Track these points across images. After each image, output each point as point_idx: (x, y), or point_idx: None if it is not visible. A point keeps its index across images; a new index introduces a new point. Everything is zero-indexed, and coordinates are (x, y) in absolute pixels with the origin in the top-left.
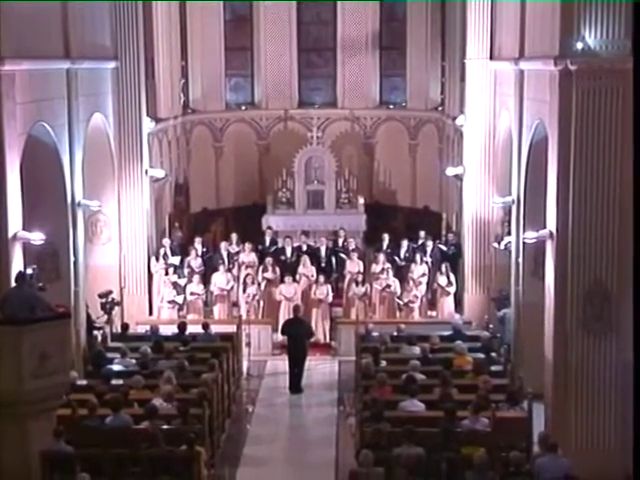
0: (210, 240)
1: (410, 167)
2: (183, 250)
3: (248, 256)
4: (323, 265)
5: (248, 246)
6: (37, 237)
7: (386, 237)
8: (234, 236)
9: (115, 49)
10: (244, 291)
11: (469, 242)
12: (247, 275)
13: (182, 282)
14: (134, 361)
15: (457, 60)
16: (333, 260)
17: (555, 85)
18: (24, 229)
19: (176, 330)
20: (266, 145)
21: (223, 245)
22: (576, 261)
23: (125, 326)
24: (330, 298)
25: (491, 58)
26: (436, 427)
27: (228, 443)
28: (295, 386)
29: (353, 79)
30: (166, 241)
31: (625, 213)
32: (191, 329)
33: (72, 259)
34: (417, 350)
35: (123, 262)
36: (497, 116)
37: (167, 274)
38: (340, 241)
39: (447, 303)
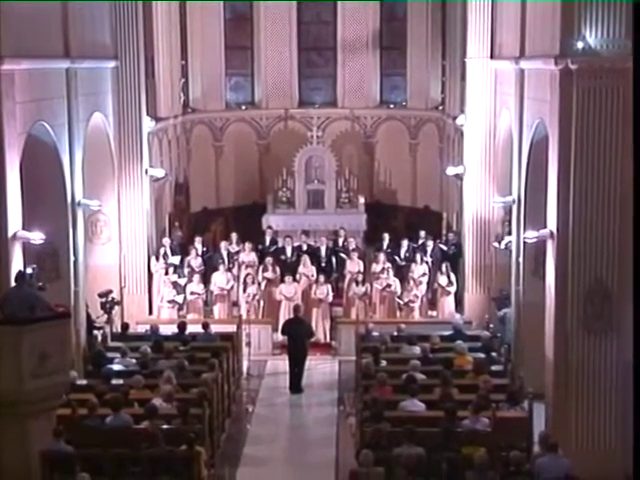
0: (210, 240)
1: (410, 166)
2: (183, 250)
3: (248, 256)
4: (323, 265)
5: (248, 246)
6: (37, 237)
7: (386, 237)
8: (234, 236)
9: (115, 48)
10: (244, 291)
11: (469, 242)
12: (247, 275)
13: (182, 282)
14: (134, 361)
15: (457, 59)
16: (333, 260)
17: (555, 84)
18: (24, 229)
19: (176, 330)
20: (266, 144)
21: (223, 245)
22: (577, 260)
23: (125, 326)
24: (330, 298)
25: (492, 57)
26: (436, 427)
27: (228, 443)
28: (295, 386)
29: (353, 78)
30: (166, 241)
31: (625, 212)
32: (191, 329)
33: (72, 259)
34: (417, 350)
35: (123, 262)
36: (497, 115)
37: (167, 274)
38: (340, 241)
39: (447, 303)
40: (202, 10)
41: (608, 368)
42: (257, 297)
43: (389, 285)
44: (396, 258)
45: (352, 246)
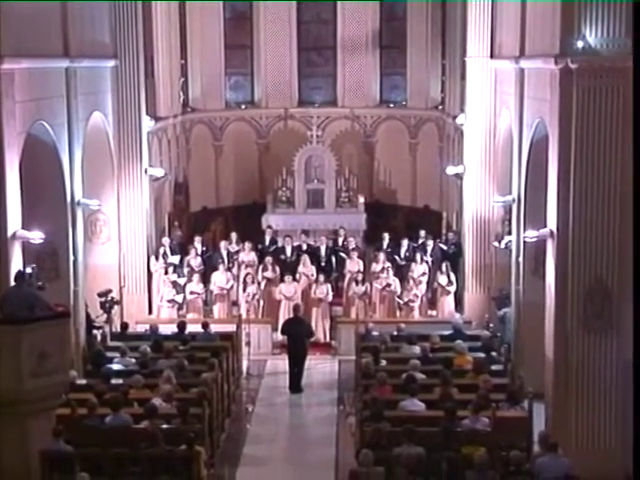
0: (210, 239)
1: (410, 166)
2: (183, 249)
3: (248, 255)
4: (323, 264)
5: (248, 245)
6: (36, 236)
7: (386, 236)
8: (234, 235)
9: (114, 47)
10: (244, 290)
11: (469, 241)
12: (247, 274)
13: (182, 281)
14: (134, 360)
15: (457, 58)
16: (333, 259)
17: (556, 84)
18: (23, 228)
19: (176, 329)
20: (266, 144)
21: (223, 244)
22: (577, 260)
23: (125, 325)
24: (330, 297)
25: (491, 56)
26: (436, 427)
27: (228, 442)
28: (295, 385)
29: (353, 78)
30: (166, 240)
31: (626, 211)
32: (191, 328)
33: (71, 258)
34: (417, 349)
35: (123, 261)
36: (497, 115)
37: (167, 273)
38: (340, 240)
39: (447, 302)
40: (202, 9)
41: (608, 367)
42: (257, 297)
43: (389, 285)
44: (396, 258)
45: (352, 245)
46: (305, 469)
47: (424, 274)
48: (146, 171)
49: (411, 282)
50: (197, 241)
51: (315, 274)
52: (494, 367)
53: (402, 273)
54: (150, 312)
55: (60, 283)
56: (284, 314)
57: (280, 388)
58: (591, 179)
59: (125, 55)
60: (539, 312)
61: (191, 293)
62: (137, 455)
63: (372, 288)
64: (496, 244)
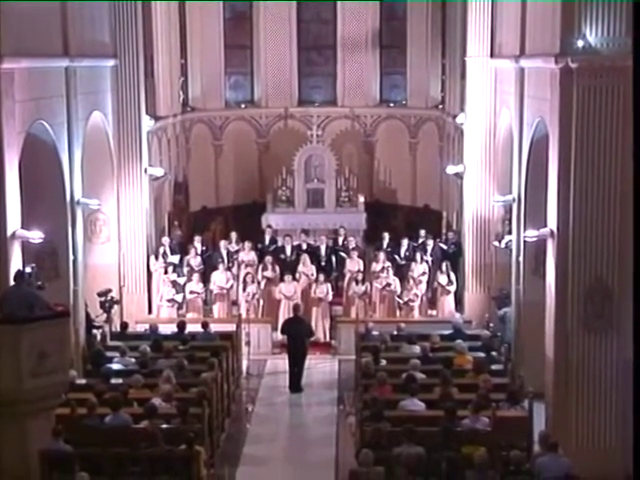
0: (210, 239)
1: (410, 165)
2: (182, 249)
3: (248, 255)
4: (323, 264)
5: (248, 245)
6: (36, 236)
7: (386, 236)
8: (234, 235)
9: (114, 47)
10: (244, 290)
11: (469, 241)
12: (247, 274)
13: (181, 281)
14: (133, 360)
15: (457, 58)
16: (333, 259)
17: (556, 83)
18: (23, 228)
19: (175, 329)
20: (266, 143)
21: (223, 244)
22: (577, 259)
23: (124, 325)
24: (330, 297)
25: (492, 56)
26: (436, 426)
27: (228, 442)
28: (295, 385)
29: (353, 77)
30: (165, 240)
31: (626, 211)
32: (190, 328)
33: (71, 258)
34: (417, 349)
35: (122, 261)
36: (498, 114)
37: (166, 273)
38: (340, 240)
39: (447, 302)
40: (201, 9)
41: (608, 367)
42: (257, 296)
43: (389, 284)
44: (396, 257)
45: (352, 245)
46: (305, 469)
47: (424, 274)
48: (146, 170)
49: (411, 282)
50: (197, 240)
51: (315, 274)
52: (494, 367)
53: (402, 273)
54: (150, 312)
55: (60, 283)
56: (284, 314)
57: (280, 388)
58: (591, 178)
59: (125, 54)
60: (539, 312)
61: (191, 293)
62: (137, 455)
63: (372, 288)
64: (496, 243)
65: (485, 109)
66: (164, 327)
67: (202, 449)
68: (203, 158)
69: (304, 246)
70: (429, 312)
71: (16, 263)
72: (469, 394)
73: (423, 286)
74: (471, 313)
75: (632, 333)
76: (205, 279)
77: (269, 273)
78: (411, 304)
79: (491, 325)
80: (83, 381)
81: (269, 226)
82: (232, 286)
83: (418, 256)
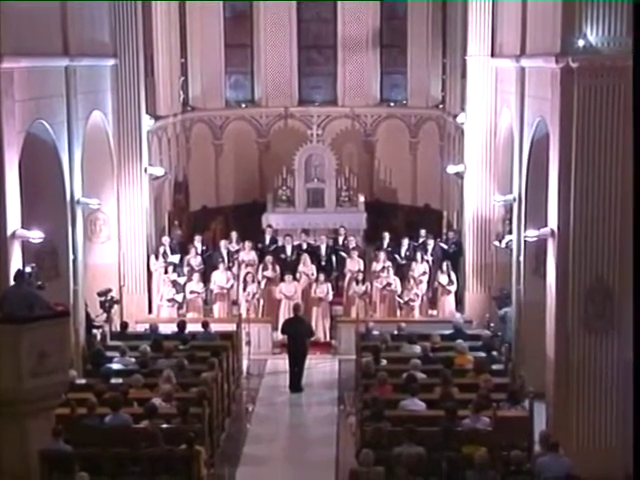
0: (210, 238)
1: (411, 165)
2: (183, 248)
3: (248, 254)
4: (323, 263)
5: (248, 244)
6: (36, 235)
7: (387, 235)
8: (234, 234)
9: (114, 46)
10: (244, 289)
11: (470, 240)
12: (247, 273)
13: (182, 280)
14: (133, 360)
15: (458, 57)
16: (333, 258)
17: (556, 82)
18: (23, 227)
19: (176, 329)
20: (266, 143)
21: (223, 243)
22: (577, 259)
23: (124, 325)
24: (330, 296)
25: (492, 55)
26: (437, 426)
27: (228, 442)
28: (295, 385)
29: (353, 77)
30: (165, 239)
31: (626, 211)
32: (191, 328)
33: (71, 257)
34: (418, 349)
35: (122, 260)
36: (498, 114)
37: (167, 272)
38: (340, 239)
39: (448, 302)
40: (202, 8)
41: (609, 367)
42: (257, 296)
43: (389, 284)
44: (396, 257)
45: (352, 245)
46: (305, 469)
47: (424, 273)
48: (146, 170)
49: (411, 281)
50: (197, 240)
51: (315, 273)
52: (495, 367)
53: (402, 272)
54: (150, 311)
55: (60, 282)
56: (284, 313)
57: (280, 387)
58: (592, 178)
59: (125, 54)
60: (540, 311)
61: (191, 292)
62: (137, 455)
63: (372, 287)
64: (497, 243)
65: (486, 109)
66: (164, 327)
67: (202, 449)
68: (203, 157)
69: (304, 246)
70: (429, 312)
71: (16, 263)
72: (470, 394)
73: (424, 286)
74: (472, 313)
75: (632, 333)
76: (205, 279)
77: (269, 273)
78: (411, 304)
79: (492, 325)
80: (83, 381)
81: (269, 226)
82: (232, 286)
83: (418, 256)
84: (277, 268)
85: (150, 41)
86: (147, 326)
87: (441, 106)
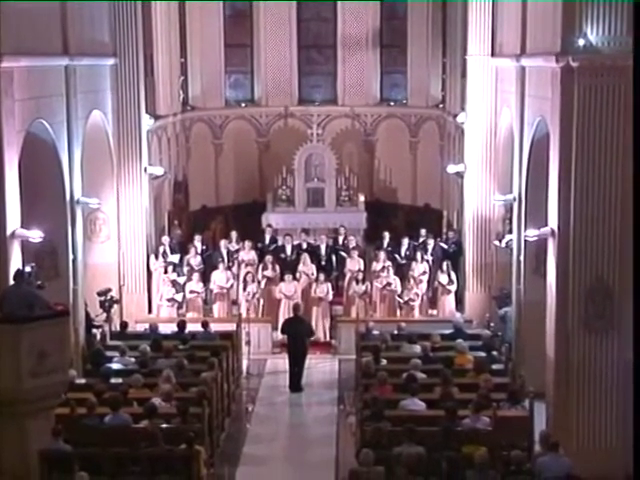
0: (210, 238)
1: (411, 165)
2: (182, 248)
3: (248, 254)
4: (323, 263)
5: (248, 244)
6: (36, 235)
7: (387, 235)
8: (234, 234)
9: (114, 46)
10: (244, 289)
11: (470, 240)
12: (247, 273)
13: (181, 280)
14: (133, 360)
15: (458, 57)
16: (333, 258)
17: (557, 82)
18: (22, 227)
19: (175, 328)
20: (266, 142)
21: (223, 243)
22: (578, 259)
23: (124, 324)
24: (330, 296)
25: (492, 55)
26: (437, 426)
27: (228, 442)
28: (295, 385)
29: (353, 76)
30: (165, 239)
31: (627, 210)
32: (190, 327)
33: (71, 257)
34: (418, 349)
35: (122, 260)
36: (498, 113)
37: (166, 272)
38: (340, 239)
39: (448, 301)
40: (201, 8)
41: (609, 367)
42: (257, 296)
43: (389, 284)
44: (396, 256)
45: (352, 244)
46: (305, 468)
47: (424, 273)
48: (146, 170)
49: (412, 281)
50: (197, 240)
51: (315, 273)
52: (495, 366)
53: (402, 272)
54: (150, 311)
55: (59, 282)
56: (284, 313)
57: (280, 387)
58: (592, 177)
59: (125, 53)
60: (540, 311)
61: (191, 292)
62: (137, 454)
63: (372, 287)
64: (497, 243)
65: (486, 108)
66: (164, 326)
67: (202, 449)
68: (203, 157)
69: (304, 245)
70: (430, 311)
71: (16, 262)
72: (470, 394)
73: (424, 285)
74: (472, 312)
75: (632, 333)
76: (205, 278)
77: (269, 272)
78: (411, 303)
79: (492, 324)
80: (83, 381)
81: (269, 225)
82: (232, 285)
83: (418, 255)
84: (277, 268)
85: (150, 40)
86: (147, 326)
87: (441, 106)
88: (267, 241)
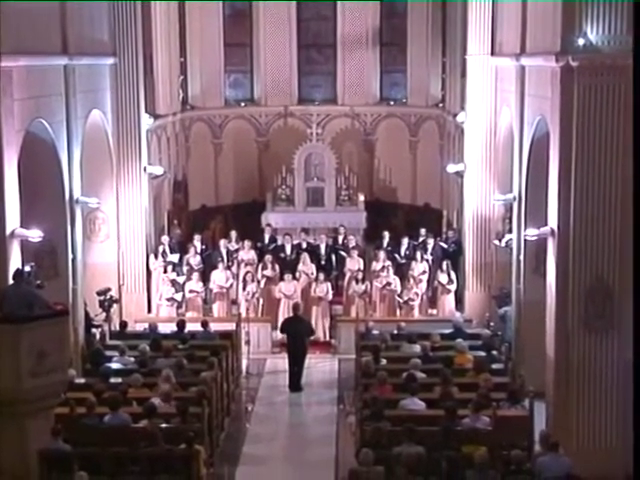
0: (209, 237)
1: (410, 164)
2: (182, 247)
3: (247, 254)
4: (323, 263)
5: (247, 243)
6: (35, 234)
7: (386, 234)
8: (233, 233)
9: (113, 45)
10: (243, 289)
11: (470, 239)
12: (246, 273)
13: (181, 280)
14: (133, 359)
15: (458, 56)
16: (333, 258)
17: (557, 81)
18: (22, 226)
19: (175, 328)
20: (266, 142)
21: (222, 242)
22: (578, 258)
23: (124, 324)
24: (330, 296)
25: (492, 54)
26: (437, 426)
27: (227, 442)
28: (295, 384)
29: (353, 75)
30: (165, 238)
31: (627, 210)
32: (190, 327)
33: (70, 256)
34: (417, 348)
35: (122, 260)
36: (498, 112)
37: (166, 272)
38: (340, 238)
39: (448, 301)
40: (201, 7)
41: (609, 367)
42: (256, 295)
43: (389, 283)
44: (396, 256)
45: (352, 244)
46: (305, 468)
47: (424, 272)
48: (145, 169)
49: (411, 281)
50: (196, 239)
51: (315, 272)
52: (495, 366)
53: (402, 271)
54: (149, 311)
55: (59, 281)
56: (284, 313)
57: (280, 387)
58: (592, 177)
59: (124, 52)
60: (540, 311)
61: (190, 292)
62: (136, 454)
63: (372, 287)
64: (497, 242)
65: (485, 107)
66: (163, 326)
67: (202, 448)
68: (203, 156)
69: (304, 245)
70: (429, 311)
71: (15, 262)
72: (469, 393)
73: (423, 285)
74: (471, 312)
75: (632, 333)
76: (205, 278)
77: (269, 272)
78: (411, 303)
79: (491, 324)
80: (82, 380)
81: (269, 225)
82: (232, 285)
83: (418, 255)
84: (277, 267)
85: (149, 40)
86: (146, 325)
87: (441, 105)
88: (267, 240)
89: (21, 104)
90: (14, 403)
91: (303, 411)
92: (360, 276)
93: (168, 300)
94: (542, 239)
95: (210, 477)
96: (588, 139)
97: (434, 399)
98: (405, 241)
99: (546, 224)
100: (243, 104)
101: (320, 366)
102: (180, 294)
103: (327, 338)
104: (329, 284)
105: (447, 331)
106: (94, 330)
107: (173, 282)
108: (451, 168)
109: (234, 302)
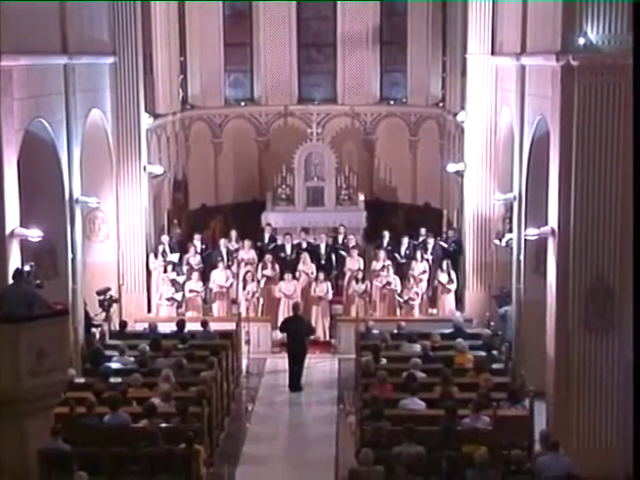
0: (209, 237)
1: (411, 163)
2: (182, 247)
3: (247, 253)
4: (323, 262)
5: (247, 243)
6: (35, 234)
7: (386, 234)
8: (233, 233)
9: (113, 44)
10: (243, 288)
11: (470, 239)
12: (246, 272)
13: (181, 279)
14: (132, 359)
15: (458, 55)
16: (333, 257)
17: (557, 81)
18: (21, 226)
19: (175, 328)
20: (266, 141)
21: (222, 242)
22: (578, 258)
23: (123, 324)
24: (330, 295)
25: (492, 53)
26: (437, 425)
27: (227, 441)
28: (295, 384)
29: (353, 75)
30: (165, 238)
31: (627, 209)
32: (190, 327)
33: (70, 256)
34: (418, 348)
35: (121, 259)
36: (498, 112)
37: (166, 271)
38: (340, 238)
39: (448, 300)
40: (201, 7)
41: (609, 366)
42: (256, 295)
43: (389, 283)
44: (396, 256)
45: (352, 243)
46: (305, 468)
47: (424, 272)
48: (145, 168)
49: (411, 280)
50: (196, 239)
51: (315, 272)
52: (495, 366)
53: (402, 271)
54: (149, 310)
55: (59, 281)
56: (284, 312)
57: (280, 387)
58: (592, 177)
59: (124, 52)
60: (540, 310)
61: (190, 291)
62: (136, 454)
63: (372, 286)
64: (497, 242)
65: (486, 107)
66: (163, 326)
67: (201, 448)
68: (203, 156)
69: (304, 244)
70: (429, 311)
71: (15, 261)
72: (470, 393)
73: (423, 285)
74: (472, 312)
75: (633, 333)
76: (205, 277)
77: (269, 272)
78: (411, 303)
79: (492, 324)
80: (82, 380)
81: (269, 224)
82: (232, 285)
83: (418, 254)
84: (277, 267)
85: (149, 39)
86: (146, 325)
87: (441, 104)
88: (267, 240)
89: (21, 103)
90: (14, 402)
91: (303, 411)
92: (360, 276)
93: (168, 300)
94: (542, 239)
95: (210, 477)
96: (588, 139)
97: (434, 399)
98: (405, 241)
99: (546, 224)
100: (243, 103)
101: (320, 366)
102: (180, 294)
103: (327, 338)
104: (329, 284)
105: (447, 331)
106: (94, 330)
107: (173, 282)
108: (451, 167)
109: (234, 302)
